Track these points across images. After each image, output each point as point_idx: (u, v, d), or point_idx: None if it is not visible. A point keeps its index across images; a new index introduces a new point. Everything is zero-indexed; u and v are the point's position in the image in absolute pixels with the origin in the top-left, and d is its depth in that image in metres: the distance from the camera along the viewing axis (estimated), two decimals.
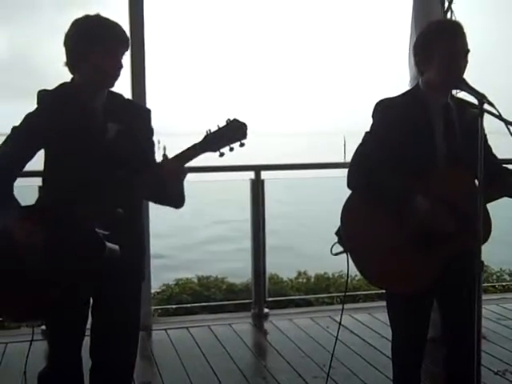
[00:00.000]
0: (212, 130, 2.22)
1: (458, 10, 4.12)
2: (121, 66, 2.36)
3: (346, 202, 2.59)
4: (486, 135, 2.61)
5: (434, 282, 2.51)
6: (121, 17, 4.33)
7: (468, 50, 2.53)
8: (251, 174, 4.86)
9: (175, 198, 2.41)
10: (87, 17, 2.36)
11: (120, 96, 2.51)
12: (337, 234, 2.60)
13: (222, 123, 2.22)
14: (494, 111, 2.31)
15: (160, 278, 5.96)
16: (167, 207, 2.48)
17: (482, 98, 2.31)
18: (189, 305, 5.32)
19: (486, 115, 2.31)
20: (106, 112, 2.39)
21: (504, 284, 6.16)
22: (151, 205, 4.36)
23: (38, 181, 3.86)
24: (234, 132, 2.20)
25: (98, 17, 2.36)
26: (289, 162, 5.75)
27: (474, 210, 2.35)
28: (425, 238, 2.48)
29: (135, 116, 2.47)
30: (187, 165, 2.27)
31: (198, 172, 5.23)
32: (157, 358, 4.05)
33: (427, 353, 2.74)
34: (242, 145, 2.21)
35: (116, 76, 2.39)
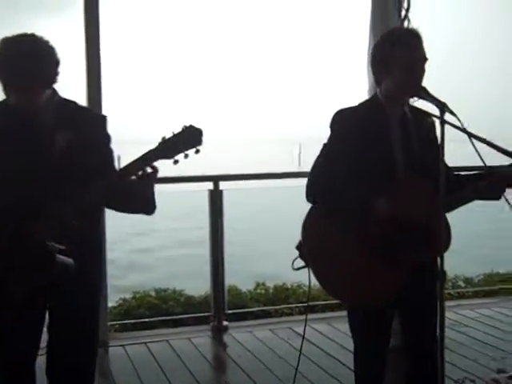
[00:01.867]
0: (167, 137, 2.15)
1: (415, 17, 4.16)
2: (35, 100, 2.29)
3: (306, 217, 2.56)
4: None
5: (395, 294, 2.50)
6: (76, 20, 4.24)
7: (426, 59, 2.52)
8: (209, 185, 4.80)
9: (143, 204, 2.34)
10: (4, 41, 2.26)
11: (73, 103, 2.42)
12: (297, 248, 2.57)
13: (178, 129, 2.15)
14: (455, 119, 2.32)
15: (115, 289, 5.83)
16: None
17: (442, 106, 2.31)
18: (147, 319, 5.21)
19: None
20: (56, 122, 2.30)
21: (459, 291, 6.22)
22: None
23: None
24: (189, 138, 2.14)
25: (12, 43, 2.26)
26: (247, 172, 5.63)
27: (433, 220, 2.37)
28: (385, 251, 2.47)
29: (89, 123, 2.38)
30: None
31: (157, 183, 5.15)
32: (115, 376, 3.96)
33: (389, 362, 2.73)
34: (197, 151, 2.15)
35: (33, 108, 2.30)
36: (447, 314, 2.43)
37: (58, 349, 2.43)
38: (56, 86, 2.38)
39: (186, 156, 2.15)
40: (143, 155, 2.17)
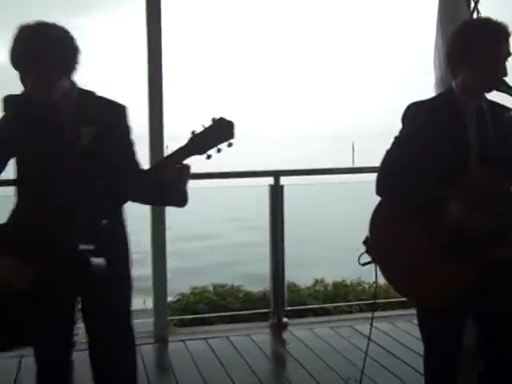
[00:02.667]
0: (197, 131, 2.08)
1: (484, 9, 4.02)
2: (50, 88, 2.20)
3: (374, 211, 2.48)
4: None
5: (467, 294, 2.38)
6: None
7: (510, 53, 2.41)
8: (270, 180, 4.75)
9: (176, 198, 2.28)
10: (20, 29, 2.19)
11: (91, 94, 2.33)
12: (364, 243, 2.50)
13: (208, 123, 2.08)
14: None
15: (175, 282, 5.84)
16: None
17: None
18: (206, 315, 5.20)
19: None
20: (77, 114, 2.23)
21: None
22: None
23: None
24: (220, 132, 2.06)
25: (26, 32, 2.18)
26: (306, 167, 5.55)
27: (509, 215, 2.27)
28: (458, 248, 2.35)
29: (110, 115, 2.30)
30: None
31: (215, 178, 5.15)
32: (175, 371, 3.95)
33: (461, 366, 2.62)
34: (229, 145, 2.08)
35: (47, 98, 2.22)
36: None
37: (96, 348, 2.42)
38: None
39: (219, 150, 2.08)
40: (173, 153, 2.11)
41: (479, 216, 2.35)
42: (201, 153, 2.07)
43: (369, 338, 2.85)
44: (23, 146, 2.20)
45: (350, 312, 5.39)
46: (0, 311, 2.11)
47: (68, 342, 2.40)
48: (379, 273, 2.49)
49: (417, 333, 2.72)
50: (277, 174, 4.76)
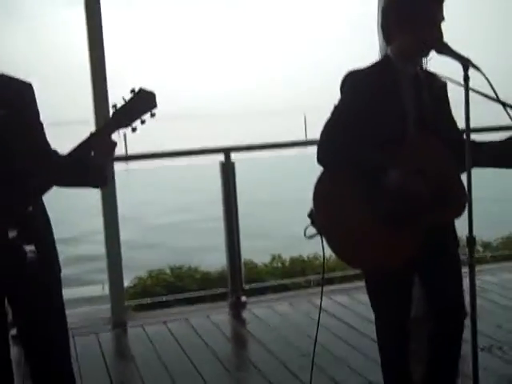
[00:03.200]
0: (119, 105, 2.02)
1: None
2: None
3: (316, 183, 2.49)
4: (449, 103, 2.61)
5: (412, 257, 2.41)
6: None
7: (443, 17, 2.44)
8: (221, 157, 4.70)
9: (95, 179, 2.24)
10: None
11: (3, 76, 2.17)
12: (309, 216, 2.50)
13: (128, 96, 2.02)
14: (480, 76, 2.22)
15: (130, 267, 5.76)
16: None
17: (466, 62, 2.22)
18: (164, 298, 5.15)
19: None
20: None
21: (478, 256, 6.13)
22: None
23: None
24: (142, 103, 2.01)
25: None
26: (257, 143, 5.52)
27: (449, 179, 2.34)
28: (400, 212, 2.38)
29: (18, 95, 2.15)
30: None
31: (166, 157, 5.08)
32: (135, 356, 3.90)
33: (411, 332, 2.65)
34: (152, 115, 2.03)
35: None
36: (466, 281, 2.34)
37: (27, 338, 2.28)
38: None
39: (143, 122, 2.03)
40: (98, 130, 2.06)
41: (418, 180, 2.38)
42: (125, 126, 2.03)
43: (320, 308, 2.85)
44: None
45: (308, 287, 5.40)
46: None
47: (4, 338, 2.26)
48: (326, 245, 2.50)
49: None
50: (227, 151, 4.71)
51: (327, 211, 2.48)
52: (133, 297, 5.30)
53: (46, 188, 2.10)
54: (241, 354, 4.04)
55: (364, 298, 4.50)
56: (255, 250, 6.45)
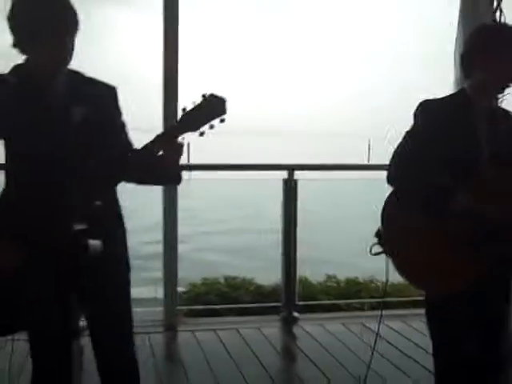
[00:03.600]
0: (188, 109, 2.04)
1: (508, 8, 3.97)
2: (61, 53, 2.10)
3: (386, 202, 2.51)
4: None
5: (472, 283, 2.38)
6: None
7: None
8: (284, 174, 4.71)
9: (169, 177, 2.28)
10: None
11: (81, 75, 2.25)
12: (377, 234, 2.53)
13: (198, 100, 2.04)
14: None
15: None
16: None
17: None
18: (216, 306, 5.18)
19: None
20: (68, 95, 2.15)
21: None
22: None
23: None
24: (212, 108, 2.02)
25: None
26: (321, 163, 5.54)
27: None
28: (468, 238, 2.37)
29: (101, 96, 2.23)
30: None
31: (230, 170, 5.13)
32: (184, 361, 3.93)
33: None
34: (222, 121, 2.04)
35: (59, 63, 2.13)
36: None
37: (97, 332, 2.35)
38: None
39: (212, 127, 2.04)
40: (166, 131, 2.09)
41: (487, 208, 2.36)
42: (193, 130, 2.05)
43: (377, 333, 2.81)
44: (11, 126, 2.12)
45: (362, 309, 5.34)
46: None
47: (68, 330, 2.30)
48: (390, 269, 2.53)
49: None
50: (291, 168, 4.72)
51: (394, 231, 2.49)
52: (185, 302, 5.35)
53: (114, 182, 2.15)
54: (289, 369, 4.02)
55: (419, 325, 4.49)
56: (311, 268, 6.42)
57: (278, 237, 4.79)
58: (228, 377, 3.68)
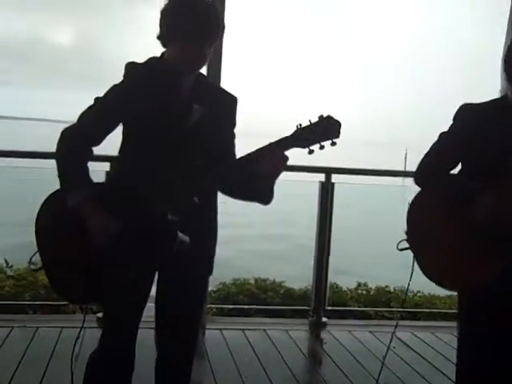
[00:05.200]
0: (303, 125, 2.08)
1: None
2: (202, 58, 2.26)
3: (413, 199, 2.56)
4: None
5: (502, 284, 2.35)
6: None
7: None
8: (321, 177, 4.70)
9: (263, 192, 2.28)
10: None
11: (207, 80, 2.42)
12: (406, 232, 2.55)
13: (315, 119, 2.08)
14: None
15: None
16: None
17: None
18: (245, 306, 5.19)
19: None
20: (192, 94, 2.28)
21: None
22: None
23: (106, 166, 3.83)
24: (326, 129, 2.06)
25: (197, 4, 2.23)
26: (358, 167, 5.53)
27: None
28: (493, 235, 2.35)
29: (222, 102, 2.35)
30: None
31: None
32: (211, 358, 3.94)
33: None
34: (333, 143, 2.07)
35: (196, 68, 2.29)
36: None
37: (163, 322, 2.43)
38: None
39: (322, 147, 2.07)
40: (277, 141, 2.11)
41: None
42: (304, 146, 2.09)
43: (389, 343, 2.84)
44: (136, 111, 2.23)
45: (391, 318, 5.30)
46: (79, 262, 2.21)
47: (134, 329, 2.41)
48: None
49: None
50: (328, 171, 4.71)
51: (420, 229, 2.52)
52: (215, 301, 5.37)
53: (213, 184, 2.24)
54: (315, 372, 4.02)
55: (447, 337, 4.45)
56: (342, 274, 6.40)
57: (312, 240, 4.79)
58: (253, 376, 3.69)
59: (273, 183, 2.24)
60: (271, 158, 2.11)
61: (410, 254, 2.55)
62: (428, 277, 2.51)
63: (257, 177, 2.16)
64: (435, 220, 2.47)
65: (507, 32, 3.87)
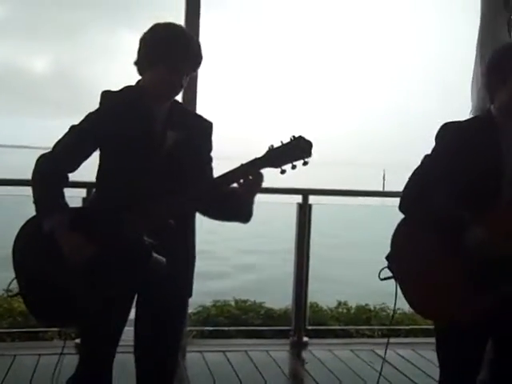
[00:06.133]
0: (275, 146, 2.12)
1: None
2: (180, 86, 2.31)
3: (397, 226, 2.48)
4: None
5: (488, 317, 2.32)
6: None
7: None
8: (298, 198, 4.73)
9: (241, 212, 2.31)
10: (168, 25, 2.32)
11: (183, 106, 2.47)
12: (387, 258, 2.50)
13: (286, 139, 2.11)
14: None
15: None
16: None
17: None
18: (226, 328, 5.17)
19: None
20: (167, 120, 2.32)
21: None
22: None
23: (82, 192, 3.83)
24: (298, 150, 2.09)
25: (177, 29, 2.32)
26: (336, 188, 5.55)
27: None
28: (480, 268, 2.30)
29: (196, 127, 2.39)
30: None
31: None
32: (191, 381, 3.92)
33: None
34: (305, 163, 2.10)
35: (170, 96, 2.35)
36: None
37: (143, 345, 2.42)
38: None
39: (294, 167, 2.10)
40: (249, 162, 2.14)
41: (503, 246, 2.28)
42: (276, 166, 2.11)
43: (384, 358, 2.80)
44: (112, 138, 2.27)
45: (372, 336, 5.31)
46: (55, 285, 2.23)
47: (116, 337, 2.40)
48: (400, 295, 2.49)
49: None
50: (306, 193, 4.74)
51: (404, 258, 2.45)
52: (195, 323, 5.34)
53: (187, 207, 2.25)
54: None
55: (429, 354, 4.45)
56: (322, 294, 6.40)
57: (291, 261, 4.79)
58: None
59: (251, 202, 2.27)
60: (246, 179, 2.13)
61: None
62: (412, 306, 2.46)
63: (234, 197, 2.19)
64: (421, 249, 2.41)
65: (475, 57, 3.93)
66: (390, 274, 2.47)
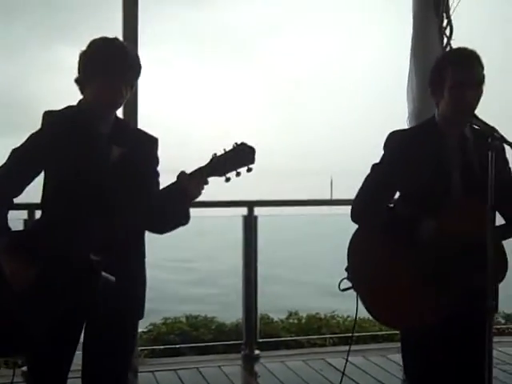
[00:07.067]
0: (218, 154, 2.12)
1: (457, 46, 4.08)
2: (120, 95, 2.29)
3: (352, 238, 2.51)
4: (510, 168, 2.54)
5: (446, 319, 2.37)
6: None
7: (481, 81, 2.43)
8: (244, 210, 4.73)
9: (182, 217, 2.30)
10: (103, 39, 2.31)
11: (126, 122, 2.49)
12: (347, 269, 2.51)
13: (229, 147, 2.11)
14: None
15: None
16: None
17: (491, 132, 2.20)
18: (177, 345, 5.13)
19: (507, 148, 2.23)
20: (111, 137, 2.31)
21: (499, 327, 6.03)
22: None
23: (24, 214, 3.75)
24: (241, 156, 2.10)
25: (113, 42, 2.30)
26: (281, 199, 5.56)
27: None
28: (433, 274, 2.37)
29: (141, 143, 2.38)
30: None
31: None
32: None
33: None
34: (249, 170, 2.11)
35: (113, 106, 2.33)
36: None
37: (91, 366, 2.37)
38: None
39: (238, 174, 2.11)
40: (193, 171, 2.14)
41: (453, 241, 2.35)
42: (220, 174, 2.12)
43: (343, 369, 2.82)
44: (55, 158, 2.25)
45: (324, 345, 5.34)
46: (1, 311, 2.17)
47: (66, 360, 2.34)
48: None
49: (389, 367, 2.71)
50: (251, 205, 4.74)
51: (361, 267, 2.48)
52: (146, 343, 5.29)
53: (133, 223, 2.21)
54: None
55: (379, 360, 4.51)
56: (272, 305, 6.42)
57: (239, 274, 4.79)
58: None
59: (188, 208, 2.28)
60: (189, 187, 2.13)
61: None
62: (372, 316, 2.49)
63: (170, 203, 2.18)
64: (377, 258, 2.45)
65: (410, 62, 4.03)
66: (349, 285, 2.49)
